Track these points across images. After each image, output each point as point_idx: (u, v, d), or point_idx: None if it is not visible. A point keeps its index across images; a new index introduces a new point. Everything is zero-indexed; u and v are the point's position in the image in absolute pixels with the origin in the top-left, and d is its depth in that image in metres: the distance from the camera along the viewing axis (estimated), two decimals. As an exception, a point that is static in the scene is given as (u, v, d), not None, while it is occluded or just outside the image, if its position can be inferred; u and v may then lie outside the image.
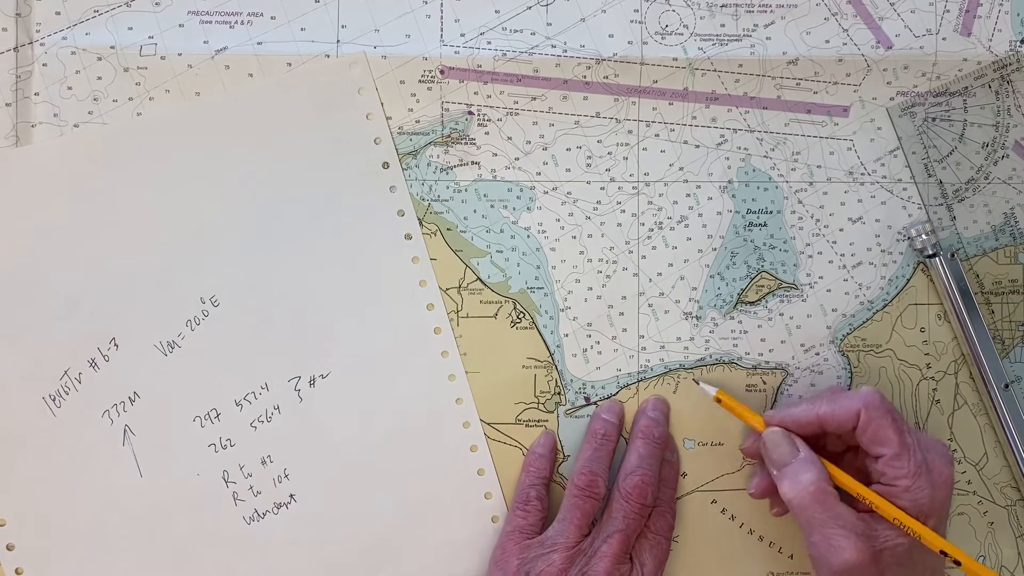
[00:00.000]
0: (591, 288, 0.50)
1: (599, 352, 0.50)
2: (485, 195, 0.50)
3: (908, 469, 0.43)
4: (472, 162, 0.50)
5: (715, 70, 0.50)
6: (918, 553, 0.44)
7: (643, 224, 0.50)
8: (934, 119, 0.51)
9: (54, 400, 0.48)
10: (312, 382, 0.49)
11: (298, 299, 0.49)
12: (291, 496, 0.49)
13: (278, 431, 0.49)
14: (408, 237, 0.50)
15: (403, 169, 0.50)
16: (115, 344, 0.49)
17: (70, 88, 0.49)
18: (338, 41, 0.50)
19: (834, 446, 0.48)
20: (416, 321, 0.50)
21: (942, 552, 0.43)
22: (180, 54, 0.49)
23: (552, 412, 0.50)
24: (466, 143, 0.50)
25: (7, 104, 0.49)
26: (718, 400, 0.48)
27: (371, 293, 0.49)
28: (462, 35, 0.50)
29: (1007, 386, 0.49)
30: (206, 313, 0.49)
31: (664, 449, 0.49)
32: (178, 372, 0.49)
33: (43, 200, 0.48)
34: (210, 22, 0.49)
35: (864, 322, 0.51)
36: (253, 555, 0.49)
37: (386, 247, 0.50)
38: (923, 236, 0.50)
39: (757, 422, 0.47)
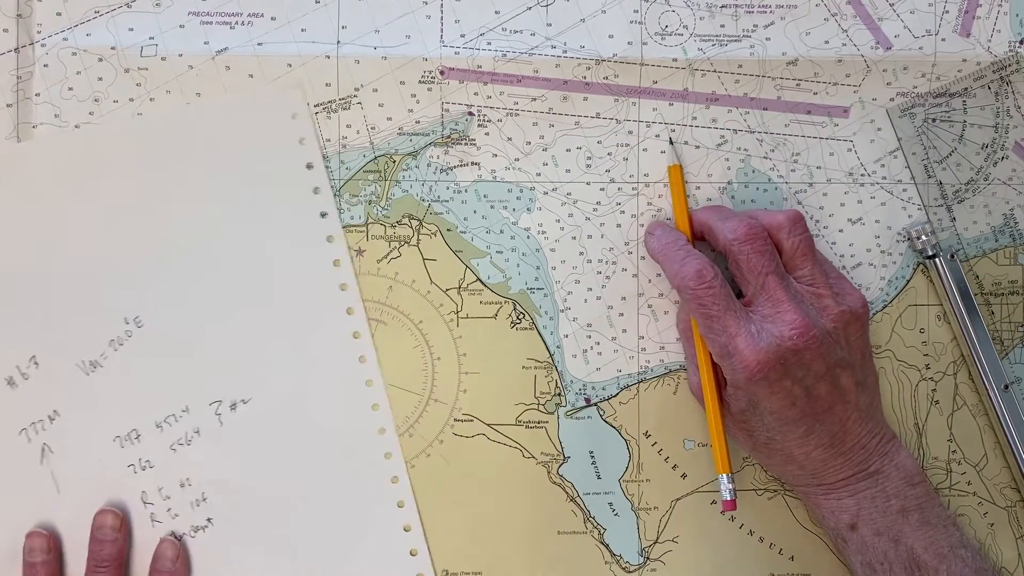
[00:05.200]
0: (591, 289, 0.50)
1: (599, 353, 0.50)
2: (485, 196, 0.50)
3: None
4: (472, 163, 0.50)
5: (715, 71, 0.50)
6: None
7: (643, 225, 0.50)
8: (934, 120, 0.51)
9: None
10: (233, 407, 0.49)
11: (223, 323, 0.49)
12: (208, 520, 0.49)
13: (197, 454, 0.49)
14: (336, 264, 0.49)
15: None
16: (35, 362, 0.48)
17: (71, 89, 0.49)
18: (338, 42, 0.50)
19: None
20: (341, 349, 0.49)
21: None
22: (181, 55, 0.49)
23: (552, 413, 0.50)
24: (466, 144, 0.50)
25: (8, 105, 0.49)
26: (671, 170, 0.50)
27: (296, 319, 0.49)
28: (462, 36, 0.50)
29: (1007, 387, 0.49)
30: (129, 334, 0.48)
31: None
32: (99, 392, 0.48)
33: None
34: (210, 23, 0.49)
35: (864, 323, 0.51)
36: None
37: (313, 273, 0.49)
38: (923, 237, 0.50)
39: (682, 214, 0.49)
